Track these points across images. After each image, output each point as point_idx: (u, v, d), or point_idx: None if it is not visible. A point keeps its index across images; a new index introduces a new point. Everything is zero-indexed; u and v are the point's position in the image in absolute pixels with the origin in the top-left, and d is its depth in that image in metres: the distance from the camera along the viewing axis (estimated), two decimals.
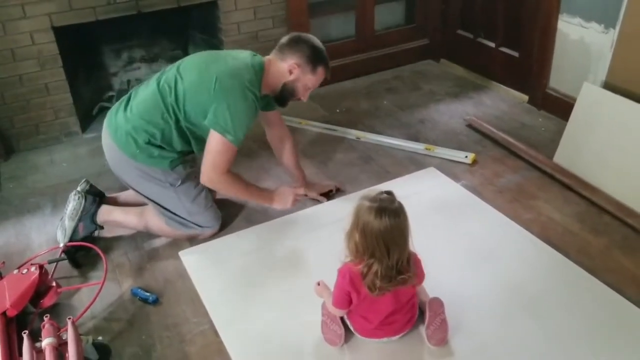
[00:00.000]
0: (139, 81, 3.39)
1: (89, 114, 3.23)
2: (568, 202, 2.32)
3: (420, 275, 1.62)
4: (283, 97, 2.12)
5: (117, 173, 2.10)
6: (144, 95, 2.03)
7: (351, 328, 1.71)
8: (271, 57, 2.07)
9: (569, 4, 2.75)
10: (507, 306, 1.82)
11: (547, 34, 2.88)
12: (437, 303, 1.70)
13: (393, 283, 1.53)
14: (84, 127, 3.09)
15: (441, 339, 1.65)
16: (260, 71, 2.01)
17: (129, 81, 3.43)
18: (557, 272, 1.95)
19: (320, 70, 2.07)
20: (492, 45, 3.32)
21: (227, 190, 2.11)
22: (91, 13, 2.79)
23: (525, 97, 3.16)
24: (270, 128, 2.32)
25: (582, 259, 2.00)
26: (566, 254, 2.02)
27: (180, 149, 2.06)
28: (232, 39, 3.19)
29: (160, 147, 2.01)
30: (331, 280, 1.65)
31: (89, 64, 3.30)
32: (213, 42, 3.33)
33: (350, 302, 1.60)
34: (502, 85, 3.32)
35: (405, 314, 1.66)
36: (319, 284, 1.74)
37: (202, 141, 2.02)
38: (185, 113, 1.98)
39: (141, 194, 2.10)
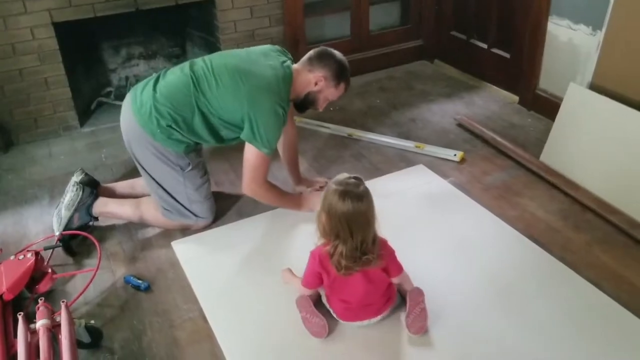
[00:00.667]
0: (138, 78, 3.46)
1: (87, 109, 3.29)
2: (553, 199, 2.38)
3: (387, 258, 1.69)
4: (304, 104, 2.22)
5: (131, 147, 2.15)
6: (174, 80, 2.08)
7: (333, 315, 1.77)
8: (299, 67, 2.15)
9: (559, 6, 2.81)
10: (488, 298, 1.87)
11: (537, 35, 2.94)
12: (417, 292, 1.76)
13: (358, 263, 1.61)
14: (82, 122, 3.15)
15: (420, 327, 1.71)
16: (289, 83, 2.10)
17: (127, 77, 3.50)
18: (539, 267, 2.00)
19: (342, 86, 2.18)
20: (485, 46, 3.38)
21: (266, 199, 2.25)
22: (90, 9, 2.86)
23: (516, 98, 3.21)
24: None
25: (564, 255, 2.05)
26: (549, 250, 2.07)
27: (200, 137, 2.12)
28: (228, 36, 3.25)
29: (180, 131, 2.07)
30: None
31: (88, 60, 3.36)
32: (210, 40, 3.39)
33: (320, 282, 1.71)
34: (493, 86, 3.38)
35: (382, 296, 1.73)
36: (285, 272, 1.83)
37: (218, 134, 2.13)
38: (213, 110, 2.06)
39: (148, 173, 2.14)
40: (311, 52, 2.17)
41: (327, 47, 2.19)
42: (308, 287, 1.76)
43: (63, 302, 1.67)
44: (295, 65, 2.16)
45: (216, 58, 2.14)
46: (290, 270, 1.89)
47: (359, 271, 1.64)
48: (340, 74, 2.15)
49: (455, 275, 1.98)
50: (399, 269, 1.74)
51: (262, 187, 2.18)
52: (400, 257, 1.92)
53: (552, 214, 2.29)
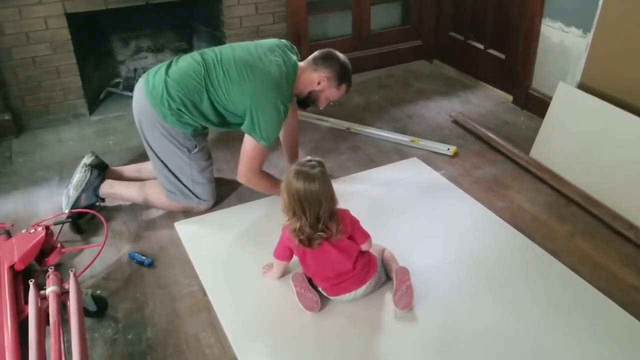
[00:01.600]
0: (145, 70, 3.57)
1: (97, 98, 3.41)
2: (539, 192, 2.49)
3: (351, 228, 1.80)
4: (306, 102, 2.34)
5: (141, 128, 2.25)
6: (186, 67, 2.18)
7: (322, 292, 1.88)
8: (304, 65, 2.27)
9: (551, 9, 2.92)
10: (474, 280, 1.99)
11: (531, 37, 3.05)
12: (403, 271, 1.88)
13: (316, 238, 1.74)
14: (91, 110, 3.27)
15: (407, 303, 1.83)
16: (293, 80, 2.22)
17: (135, 69, 3.62)
18: (521, 253, 2.12)
19: (343, 87, 2.30)
20: (481, 47, 3.49)
21: (260, 187, 2.35)
22: (102, 2, 2.98)
23: (510, 97, 3.32)
24: None
25: (546, 243, 2.16)
26: (532, 238, 2.18)
27: (207, 121, 2.23)
28: (234, 32, 3.37)
29: (189, 114, 2.18)
30: None
31: (99, 51, 3.48)
32: (216, 34, 3.51)
33: (290, 254, 1.88)
34: (489, 86, 3.49)
35: (358, 264, 1.84)
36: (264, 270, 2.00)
37: (225, 119, 2.24)
38: (219, 99, 2.17)
39: (155, 153, 2.25)
40: (317, 53, 2.28)
41: (332, 49, 2.30)
42: (278, 259, 1.91)
43: (72, 271, 1.78)
44: (300, 64, 2.27)
45: (225, 50, 2.24)
46: (265, 267, 2.02)
47: (323, 244, 1.76)
48: (343, 75, 2.26)
49: (443, 259, 2.09)
50: (365, 236, 1.85)
51: (256, 176, 2.29)
52: (391, 241, 2.05)
53: (537, 205, 2.40)
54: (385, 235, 2.11)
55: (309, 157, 1.78)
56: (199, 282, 2.01)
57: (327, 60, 2.24)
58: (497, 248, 2.15)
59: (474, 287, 1.96)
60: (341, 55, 2.28)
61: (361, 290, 1.86)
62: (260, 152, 2.21)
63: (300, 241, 1.76)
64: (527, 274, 2.01)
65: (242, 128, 2.19)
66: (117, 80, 3.55)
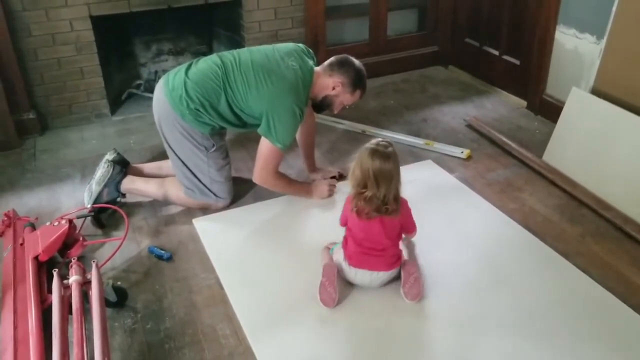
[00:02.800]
0: (166, 72, 3.65)
1: (118, 98, 3.50)
2: (551, 195, 2.52)
3: (405, 214, 1.96)
4: (321, 105, 2.40)
5: (161, 126, 2.32)
6: (205, 69, 2.25)
7: (345, 264, 1.95)
8: (320, 70, 2.33)
9: (566, 16, 2.96)
10: (484, 279, 2.02)
11: (545, 43, 3.09)
12: (411, 264, 1.96)
13: (379, 210, 1.85)
14: (113, 110, 3.36)
15: (416, 294, 1.90)
16: (309, 85, 2.28)
17: (156, 72, 3.71)
18: (532, 254, 2.15)
19: (358, 93, 2.35)
20: (496, 53, 3.53)
21: (275, 187, 2.41)
22: (126, 5, 3.07)
23: (524, 103, 3.36)
24: None
25: (556, 244, 2.19)
26: (543, 239, 2.22)
27: (225, 121, 2.29)
28: (253, 36, 3.44)
29: (207, 114, 2.24)
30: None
31: (121, 53, 3.58)
32: (235, 38, 3.58)
33: (345, 222, 1.97)
34: (503, 91, 3.53)
35: (392, 255, 1.93)
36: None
37: (242, 119, 2.30)
38: (236, 101, 2.23)
39: (174, 151, 2.32)
40: (333, 59, 2.34)
41: (348, 56, 2.36)
42: (341, 224, 2.01)
43: (94, 261, 1.85)
44: (316, 68, 2.33)
45: (244, 53, 2.31)
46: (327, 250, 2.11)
47: (378, 218, 1.87)
48: (358, 81, 2.32)
49: (455, 258, 2.13)
50: (414, 227, 2.03)
51: (272, 177, 2.35)
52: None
53: (549, 208, 2.43)
54: None
55: (379, 139, 1.92)
56: (215, 276, 2.07)
57: (342, 66, 2.30)
58: (509, 248, 2.18)
59: (485, 286, 1.99)
60: (356, 62, 2.34)
61: (381, 275, 1.93)
62: (276, 154, 2.27)
63: (359, 210, 1.87)
64: (537, 274, 2.04)
65: (259, 130, 2.25)
66: (138, 82, 3.64)
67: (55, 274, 1.81)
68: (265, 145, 2.26)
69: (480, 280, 2.02)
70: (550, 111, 3.12)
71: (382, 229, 1.90)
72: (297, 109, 2.20)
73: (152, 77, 3.70)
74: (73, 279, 1.80)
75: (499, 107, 3.40)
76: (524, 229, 2.28)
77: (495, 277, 2.03)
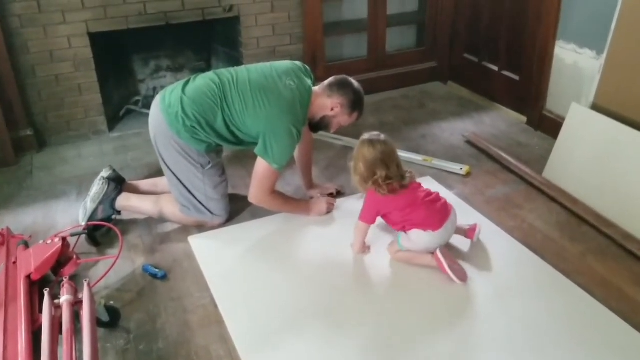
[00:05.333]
0: (164, 88, 3.65)
1: (116, 115, 3.49)
2: (551, 212, 2.49)
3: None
4: (318, 126, 2.39)
5: (156, 143, 2.31)
6: (202, 86, 2.24)
7: (428, 231, 2.09)
8: (319, 91, 2.32)
9: (565, 31, 2.95)
10: (483, 298, 1.99)
11: (545, 59, 3.08)
12: (445, 253, 2.10)
13: (406, 178, 2.08)
14: (111, 127, 3.35)
15: (464, 274, 2.07)
16: (307, 105, 2.27)
17: (154, 88, 3.71)
18: (532, 271, 2.11)
19: (355, 115, 2.36)
20: (495, 68, 3.52)
21: (272, 207, 2.39)
22: (124, 22, 3.07)
23: (524, 118, 3.34)
24: None
25: (557, 262, 2.15)
26: (543, 257, 2.18)
27: (221, 139, 2.27)
28: (251, 52, 3.44)
29: (203, 132, 2.22)
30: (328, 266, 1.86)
31: (119, 70, 3.58)
32: (234, 54, 3.58)
33: (375, 217, 2.14)
34: (502, 107, 3.51)
35: (440, 200, 2.15)
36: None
37: (239, 138, 2.29)
38: (233, 120, 2.22)
39: (170, 168, 2.30)
40: (332, 79, 2.34)
41: (347, 77, 2.36)
42: (364, 221, 2.15)
43: (85, 281, 1.82)
44: (315, 88, 2.32)
45: (242, 72, 2.29)
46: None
47: (409, 187, 2.10)
48: (356, 103, 2.31)
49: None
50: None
51: (268, 196, 2.32)
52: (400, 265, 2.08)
53: (549, 225, 2.40)
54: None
55: (369, 132, 2.13)
56: (210, 295, 2.04)
57: (341, 87, 2.29)
58: (509, 267, 2.14)
59: (484, 304, 1.96)
60: (355, 83, 2.33)
61: (453, 216, 2.14)
62: (272, 175, 2.25)
63: (391, 189, 2.05)
64: (538, 293, 2.01)
65: (255, 151, 2.23)
66: (136, 98, 3.64)
67: (46, 293, 1.78)
68: (261, 165, 2.24)
69: (479, 298, 1.98)
70: (551, 127, 3.10)
71: (420, 187, 2.15)
72: (294, 129, 2.18)
73: (150, 93, 3.69)
74: (64, 298, 1.77)
75: (499, 122, 3.38)
76: (524, 246, 2.25)
77: (495, 296, 1.99)
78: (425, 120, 3.45)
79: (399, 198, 2.08)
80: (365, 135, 2.12)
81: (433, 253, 2.10)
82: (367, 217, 2.15)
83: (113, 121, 3.41)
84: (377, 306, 1.97)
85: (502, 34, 3.40)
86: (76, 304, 1.79)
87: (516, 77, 3.37)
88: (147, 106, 3.48)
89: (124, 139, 3.29)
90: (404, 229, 2.13)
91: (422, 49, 3.96)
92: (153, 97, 3.61)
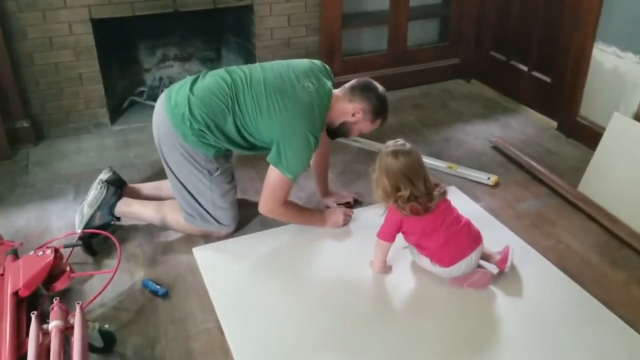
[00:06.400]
0: (171, 79, 3.46)
1: (119, 107, 3.29)
2: (589, 232, 2.28)
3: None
4: (337, 132, 2.18)
5: (160, 146, 2.11)
6: (212, 85, 2.04)
7: (440, 270, 1.94)
8: (339, 94, 2.11)
9: (605, 33, 2.72)
10: (515, 327, 1.80)
11: (581, 61, 2.85)
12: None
13: (433, 198, 1.87)
14: (113, 119, 3.15)
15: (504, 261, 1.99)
16: (326, 110, 2.07)
17: (161, 78, 3.50)
18: (570, 301, 1.92)
19: (378, 122, 2.15)
20: (525, 69, 3.29)
21: (284, 218, 2.21)
22: (129, 8, 2.86)
23: (554, 124, 3.12)
24: None
25: (598, 291, 1.95)
26: (582, 284, 1.98)
27: (231, 144, 2.08)
28: (264, 44, 3.23)
29: (212, 136, 2.03)
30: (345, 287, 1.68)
31: (124, 58, 3.38)
32: (245, 45, 3.37)
33: (395, 234, 1.94)
34: (531, 110, 3.29)
35: (468, 233, 1.95)
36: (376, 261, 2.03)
37: (251, 142, 2.10)
38: (245, 125, 2.03)
39: (174, 174, 2.11)
40: (354, 82, 2.13)
41: (370, 80, 2.15)
42: (383, 239, 1.96)
43: (78, 303, 1.63)
44: (335, 92, 2.11)
45: (256, 71, 2.08)
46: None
47: (436, 209, 1.88)
48: (380, 110, 2.11)
49: (481, 300, 1.91)
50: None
51: (281, 207, 2.13)
52: (427, 281, 1.93)
53: (587, 247, 2.19)
54: (420, 271, 1.96)
55: (391, 141, 1.92)
56: (215, 318, 1.85)
57: (365, 91, 2.08)
58: (543, 293, 1.95)
59: (516, 335, 1.77)
60: (380, 87, 2.13)
61: (474, 255, 1.93)
62: (286, 184, 2.06)
63: (414, 210, 1.84)
64: (575, 324, 1.82)
65: (268, 159, 2.03)
66: (141, 89, 3.43)
67: (33, 318, 1.60)
68: (273, 174, 2.04)
69: (510, 328, 1.79)
70: (584, 135, 2.88)
71: (449, 207, 1.93)
72: (311, 136, 1.98)
73: (156, 84, 3.48)
74: (53, 324, 1.59)
75: (527, 127, 3.16)
76: (560, 271, 2.05)
77: (529, 326, 1.80)
78: (447, 122, 3.23)
79: (423, 219, 1.88)
80: (389, 145, 1.91)
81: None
82: (387, 234, 1.97)
83: (115, 113, 3.21)
84: (397, 334, 1.77)
85: (534, 31, 3.16)
86: (67, 329, 1.60)
87: (547, 79, 3.14)
88: (153, 98, 3.31)
89: (127, 133, 3.09)
90: (417, 247, 1.98)
91: (445, 44, 3.73)
92: (159, 87, 3.46)
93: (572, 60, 2.91)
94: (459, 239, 1.91)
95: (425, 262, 1.97)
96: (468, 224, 1.96)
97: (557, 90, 3.06)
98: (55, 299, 1.66)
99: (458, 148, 2.94)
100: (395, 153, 1.86)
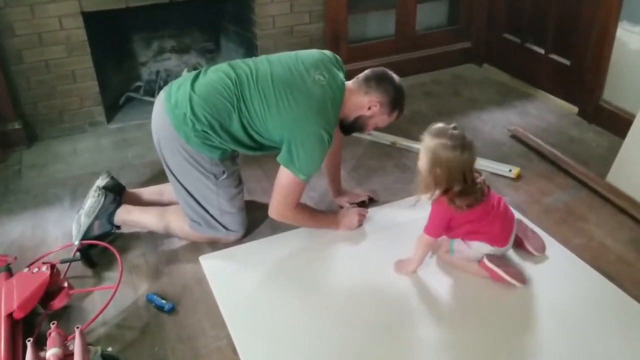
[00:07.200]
0: (169, 72, 3.30)
1: (116, 104, 3.13)
2: (622, 226, 2.14)
3: None
4: (351, 127, 2.03)
5: (160, 149, 1.96)
6: (215, 82, 1.88)
7: (493, 246, 1.85)
8: (353, 86, 1.95)
9: (631, 11, 2.55)
10: (551, 332, 1.67)
11: (604, 42, 2.68)
12: (518, 222, 1.96)
13: (474, 196, 1.75)
14: (110, 117, 2.99)
15: (540, 246, 1.96)
16: (339, 105, 1.91)
17: (158, 72, 3.33)
18: (610, 305, 1.78)
19: (395, 114, 2.01)
20: (541, 51, 3.12)
21: (296, 222, 2.07)
22: (122, 0, 2.68)
23: (575, 109, 2.96)
24: None
25: (637, 292, 1.81)
26: (621, 286, 1.84)
27: (238, 145, 1.93)
28: (265, 32, 3.06)
29: (217, 136, 1.88)
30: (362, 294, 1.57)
31: (118, 53, 3.21)
32: (246, 35, 3.20)
33: (444, 230, 1.82)
34: (549, 95, 3.13)
35: (505, 207, 1.89)
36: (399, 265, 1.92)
37: (259, 142, 1.95)
38: (252, 123, 1.88)
39: (177, 179, 1.96)
40: (369, 73, 1.97)
41: (385, 70, 2.00)
42: (432, 235, 1.82)
43: (77, 328, 1.49)
44: (348, 84, 1.96)
45: (262, 64, 1.92)
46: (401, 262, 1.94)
47: (479, 203, 1.78)
48: (397, 101, 1.97)
49: (511, 304, 1.78)
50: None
51: (292, 210, 1.98)
52: (451, 284, 1.89)
53: (623, 244, 2.05)
54: (439, 274, 1.88)
55: (439, 125, 1.77)
56: (227, 335, 1.71)
57: (381, 82, 1.92)
58: (579, 296, 1.81)
59: (552, 341, 1.64)
60: (396, 77, 1.98)
61: (514, 227, 1.91)
62: (298, 187, 1.91)
63: (469, 203, 1.74)
64: (616, 330, 1.68)
65: (278, 159, 1.88)
66: (137, 84, 3.26)
67: (29, 345, 1.46)
68: (285, 176, 1.88)
69: (547, 335, 1.65)
70: (608, 120, 2.73)
71: (489, 190, 1.84)
72: (325, 134, 1.83)
73: (153, 77, 3.32)
74: (50, 352, 1.44)
75: (546, 113, 3.00)
76: (595, 271, 1.90)
77: (566, 332, 1.67)
78: (461, 109, 3.07)
79: (475, 209, 1.78)
80: (444, 132, 1.73)
81: (480, 261, 1.85)
82: (436, 229, 1.83)
83: (112, 110, 3.05)
84: (424, 347, 1.63)
85: (550, 11, 2.98)
86: (66, 357, 1.46)
87: (566, 62, 2.98)
88: (150, 93, 3.15)
89: (124, 131, 2.93)
90: (465, 238, 1.86)
91: (456, 27, 3.55)
92: (156, 81, 3.29)
93: (594, 41, 2.75)
94: (508, 218, 1.87)
95: (474, 250, 1.86)
96: (504, 202, 1.90)
97: (578, 73, 2.89)
98: (53, 323, 1.52)
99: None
100: (462, 147, 1.70)
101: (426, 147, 1.74)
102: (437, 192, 1.75)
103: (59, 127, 2.85)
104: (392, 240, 2.06)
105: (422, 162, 1.75)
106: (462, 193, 1.73)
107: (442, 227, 1.82)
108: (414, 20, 3.38)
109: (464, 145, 1.70)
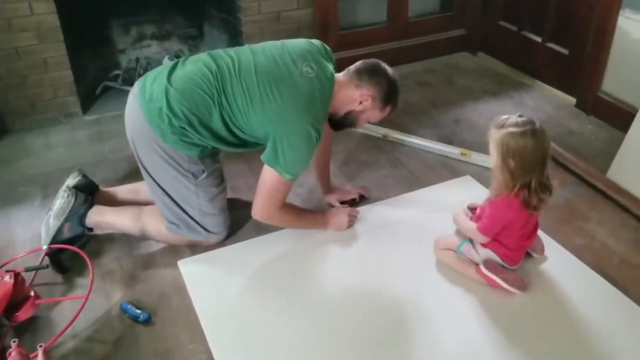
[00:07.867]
0: (149, 60, 3.14)
1: (92, 93, 2.97)
2: (625, 226, 2.03)
3: None
4: (341, 123, 1.90)
5: (135, 146, 1.82)
6: (193, 74, 1.73)
7: (503, 261, 1.74)
8: (344, 79, 1.82)
9: None
10: (554, 339, 1.57)
11: (604, 30, 2.57)
12: None
13: (547, 192, 1.64)
14: (85, 108, 2.84)
15: (541, 248, 1.86)
16: (329, 99, 1.78)
17: (137, 59, 3.18)
18: (611, 309, 1.69)
19: (388, 109, 1.89)
20: (539, 40, 3.00)
21: (282, 223, 1.95)
22: None
23: (573, 100, 2.85)
24: None
25: None
26: (624, 290, 1.74)
27: (218, 142, 1.79)
28: (251, 18, 2.91)
29: (196, 133, 1.74)
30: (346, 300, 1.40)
31: (95, 39, 3.04)
32: (230, 20, 3.05)
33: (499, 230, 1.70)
34: (546, 85, 3.01)
35: (530, 242, 1.80)
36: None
37: (242, 139, 1.81)
38: (234, 119, 1.74)
39: (153, 178, 1.83)
40: (360, 65, 1.84)
41: (378, 61, 1.87)
42: (490, 237, 1.71)
43: (40, 347, 1.36)
44: (338, 76, 1.82)
45: (245, 55, 1.78)
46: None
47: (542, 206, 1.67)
48: (391, 96, 1.85)
49: (516, 313, 1.67)
50: None
51: (278, 211, 1.85)
52: (447, 289, 1.76)
53: (625, 244, 1.95)
54: (437, 277, 1.76)
55: (505, 117, 1.65)
56: (207, 348, 1.58)
57: (373, 75, 1.80)
58: (581, 299, 1.72)
59: (556, 346, 1.54)
60: (389, 70, 1.85)
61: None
62: (283, 187, 1.78)
63: (538, 206, 1.64)
64: (618, 335, 1.59)
65: (263, 158, 1.74)
66: (115, 72, 3.11)
67: None
68: (270, 175, 1.75)
69: (549, 340, 1.55)
70: (607, 112, 2.62)
71: (528, 221, 1.70)
72: (313, 130, 1.69)
73: (132, 65, 3.16)
74: None
75: (543, 104, 2.89)
76: (598, 275, 1.80)
77: (570, 340, 1.58)
78: (456, 100, 2.95)
79: (525, 215, 1.67)
80: (512, 122, 1.61)
81: (476, 267, 1.75)
82: (492, 229, 1.70)
83: (88, 101, 2.89)
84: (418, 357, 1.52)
85: None
86: None
87: (565, 51, 2.86)
88: (129, 82, 2.99)
89: (101, 123, 2.78)
90: (488, 245, 1.75)
91: (449, 14, 3.42)
92: (135, 69, 3.13)
93: (594, 29, 2.63)
94: (532, 237, 1.78)
95: (481, 255, 1.75)
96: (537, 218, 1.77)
97: (576, 63, 2.78)
98: (14, 342, 1.39)
99: (470, 130, 2.66)
100: (532, 132, 1.57)
101: (494, 140, 1.63)
102: (517, 188, 1.61)
103: (31, 119, 2.69)
104: (385, 240, 1.96)
105: (494, 159, 1.64)
106: (542, 187, 1.61)
107: (497, 227, 1.70)
108: (407, 6, 3.25)
109: (534, 131, 1.58)
